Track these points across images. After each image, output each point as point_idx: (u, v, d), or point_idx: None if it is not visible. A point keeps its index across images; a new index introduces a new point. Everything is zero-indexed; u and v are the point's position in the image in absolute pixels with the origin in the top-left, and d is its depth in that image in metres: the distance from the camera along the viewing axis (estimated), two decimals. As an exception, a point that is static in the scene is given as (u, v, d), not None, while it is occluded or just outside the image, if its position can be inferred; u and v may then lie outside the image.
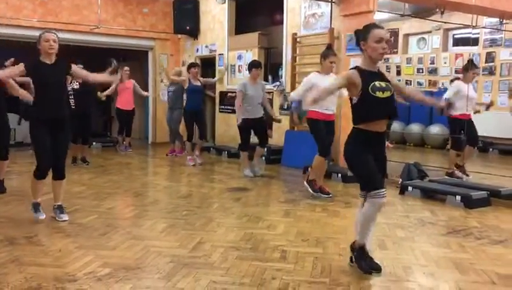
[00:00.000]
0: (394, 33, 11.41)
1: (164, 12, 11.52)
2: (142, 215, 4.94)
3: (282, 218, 4.87)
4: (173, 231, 4.33)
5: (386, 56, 10.56)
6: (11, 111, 5.90)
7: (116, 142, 10.33)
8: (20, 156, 8.33)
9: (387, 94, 3.21)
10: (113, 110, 10.93)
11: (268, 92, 8.57)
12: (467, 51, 10.10)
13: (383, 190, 3.25)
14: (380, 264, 3.42)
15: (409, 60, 11.57)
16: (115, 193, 6.02)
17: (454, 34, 10.78)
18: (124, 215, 5.04)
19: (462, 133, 6.95)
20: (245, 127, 7.07)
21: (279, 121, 7.53)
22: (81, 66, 7.78)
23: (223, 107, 10.58)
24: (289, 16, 8.79)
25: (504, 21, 8.39)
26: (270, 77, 9.46)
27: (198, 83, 8.36)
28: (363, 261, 3.33)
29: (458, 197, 5.52)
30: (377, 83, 3.19)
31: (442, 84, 10.52)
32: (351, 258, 3.45)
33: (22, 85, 5.49)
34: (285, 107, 6.07)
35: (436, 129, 10.14)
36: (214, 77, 10.54)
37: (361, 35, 3.27)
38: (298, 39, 8.55)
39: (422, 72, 11.24)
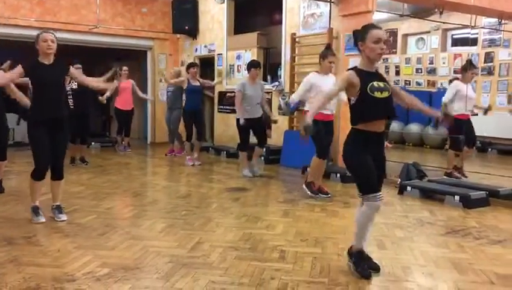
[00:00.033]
0: (393, 33, 11.41)
1: (163, 12, 11.51)
2: (141, 215, 4.93)
3: (281, 218, 4.87)
4: (172, 231, 4.32)
5: (384, 56, 10.55)
6: (10, 111, 5.88)
7: (115, 142, 10.33)
8: (19, 156, 8.33)
9: (385, 94, 3.21)
10: (112, 110, 10.92)
11: (267, 92, 8.59)
12: (465, 51, 10.09)
13: (380, 193, 3.26)
14: (379, 264, 3.42)
15: (407, 60, 11.57)
16: (114, 193, 6.02)
17: (453, 34, 10.78)
18: (123, 215, 5.03)
19: (461, 133, 6.95)
20: (244, 127, 7.06)
21: (275, 121, 7.53)
22: (79, 66, 7.87)
23: (222, 107, 10.57)
24: (288, 15, 8.79)
25: (503, 21, 8.40)
26: (269, 77, 9.46)
27: (197, 83, 8.36)
28: (360, 267, 3.31)
29: (457, 197, 5.53)
30: (375, 83, 3.19)
31: (441, 84, 10.51)
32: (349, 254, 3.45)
33: (20, 86, 5.48)
34: (287, 112, 6.07)
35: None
36: (213, 77, 10.55)
37: (359, 36, 3.27)
38: (297, 39, 8.56)
39: (421, 72, 11.23)
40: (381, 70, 3.41)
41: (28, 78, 4.57)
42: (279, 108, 8.95)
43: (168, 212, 5.05)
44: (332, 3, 7.74)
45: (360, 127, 3.24)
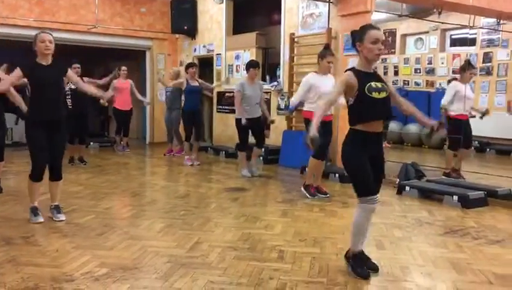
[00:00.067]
0: (392, 33, 11.42)
1: (162, 12, 11.51)
2: (140, 215, 4.93)
3: (280, 218, 4.87)
4: (171, 231, 4.32)
5: (383, 56, 10.52)
6: (8, 111, 5.88)
7: (114, 142, 10.32)
8: (17, 156, 8.31)
9: (383, 95, 3.21)
10: (111, 110, 10.91)
11: (266, 92, 8.59)
12: (464, 51, 10.11)
13: (376, 196, 3.26)
14: (377, 264, 3.43)
15: (406, 60, 11.58)
16: (113, 193, 6.01)
17: (451, 35, 10.80)
18: (122, 215, 5.03)
19: (459, 134, 6.96)
20: (244, 127, 7.06)
21: (272, 122, 7.53)
22: (78, 66, 7.87)
23: (221, 107, 10.57)
24: (287, 16, 8.79)
25: (501, 21, 8.41)
26: (268, 77, 9.46)
27: (196, 84, 8.35)
28: (359, 268, 3.31)
29: (455, 197, 5.53)
30: (373, 84, 3.19)
31: (440, 84, 10.53)
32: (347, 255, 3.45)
33: (17, 88, 5.46)
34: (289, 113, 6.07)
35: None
36: (212, 77, 10.55)
37: (357, 36, 3.27)
38: (296, 39, 8.56)
39: (420, 73, 11.25)
40: (380, 71, 3.41)
41: (26, 79, 4.56)
42: (279, 108, 9.01)
43: (167, 212, 5.05)
44: (331, 3, 7.74)
45: (358, 128, 3.24)
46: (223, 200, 5.66)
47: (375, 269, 3.37)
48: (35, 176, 4.49)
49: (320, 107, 3.30)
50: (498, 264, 3.63)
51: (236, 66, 10.14)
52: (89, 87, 5.01)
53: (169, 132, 9.68)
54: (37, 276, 3.20)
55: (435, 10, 7.66)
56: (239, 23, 10.37)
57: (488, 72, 9.92)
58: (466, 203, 5.42)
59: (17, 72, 4.38)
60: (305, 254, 3.76)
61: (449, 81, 7.61)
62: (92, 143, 10.55)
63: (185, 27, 11.06)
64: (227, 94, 10.20)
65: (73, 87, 7.74)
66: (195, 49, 11.30)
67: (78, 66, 7.89)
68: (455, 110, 6.94)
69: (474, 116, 7.27)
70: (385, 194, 5.55)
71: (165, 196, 5.99)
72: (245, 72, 7.46)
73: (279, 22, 9.01)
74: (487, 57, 9.95)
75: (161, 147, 10.25)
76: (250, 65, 7.18)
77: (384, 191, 3.42)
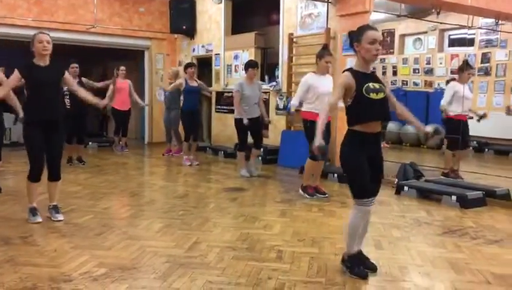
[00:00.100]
0: (390, 33, 11.44)
1: (160, 11, 11.50)
2: (138, 215, 4.93)
3: (279, 218, 4.87)
4: (169, 231, 4.32)
5: (382, 56, 10.52)
6: (7, 111, 5.87)
7: (112, 142, 10.31)
8: (16, 156, 8.29)
9: (381, 95, 3.21)
10: (109, 110, 10.89)
11: (265, 92, 8.59)
12: (462, 51, 10.13)
13: (372, 198, 3.26)
14: (376, 264, 3.43)
15: (405, 61, 11.60)
16: (111, 193, 6.01)
17: (450, 35, 10.81)
18: (120, 215, 5.03)
19: (458, 134, 6.97)
20: (243, 127, 7.05)
21: (268, 122, 7.52)
22: (76, 65, 7.86)
23: (219, 107, 10.57)
24: (285, 16, 8.79)
25: (500, 22, 8.42)
26: (266, 77, 9.46)
27: (195, 84, 8.35)
28: (356, 269, 3.31)
29: (454, 197, 5.54)
30: (370, 85, 3.19)
31: (438, 84, 10.55)
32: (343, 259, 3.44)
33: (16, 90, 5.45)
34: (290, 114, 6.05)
35: (435, 126, 10.15)
36: (210, 77, 10.55)
37: (355, 37, 3.27)
38: (295, 39, 8.56)
39: (418, 73, 11.27)
40: (379, 71, 3.41)
41: (23, 80, 4.54)
42: (277, 108, 9.01)
43: (166, 212, 5.05)
44: (329, 4, 7.74)
45: (356, 128, 3.23)
46: (221, 200, 5.66)
47: (373, 269, 3.37)
48: (34, 177, 4.48)
49: (322, 114, 3.25)
50: (496, 264, 3.64)
51: (235, 66, 10.14)
52: (85, 93, 4.89)
53: (168, 132, 9.68)
54: (35, 276, 3.19)
55: (433, 10, 7.66)
56: (238, 23, 10.37)
57: (487, 72, 9.94)
58: (464, 203, 5.43)
59: (16, 74, 4.36)
60: (303, 253, 3.76)
61: (447, 82, 7.62)
62: (90, 143, 10.53)
63: (184, 27, 11.06)
64: (225, 94, 10.20)
65: (71, 87, 7.73)
66: (194, 49, 11.30)
67: (77, 65, 7.88)
68: (454, 110, 6.96)
69: (471, 118, 7.29)
70: (383, 194, 5.55)
71: (164, 196, 5.99)
72: (244, 72, 7.46)
73: (278, 22, 9.01)
74: (485, 57, 9.97)
75: (160, 147, 10.25)
76: (249, 65, 7.18)
77: (383, 191, 3.42)
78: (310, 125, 5.68)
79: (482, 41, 10.00)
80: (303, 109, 5.90)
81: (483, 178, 6.88)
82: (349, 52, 6.91)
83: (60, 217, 4.60)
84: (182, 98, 8.52)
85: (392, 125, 10.38)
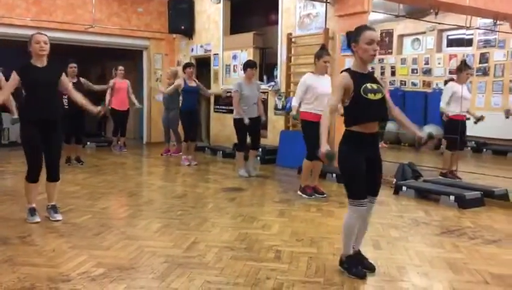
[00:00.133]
0: (389, 34, 11.44)
1: (159, 11, 11.50)
2: (137, 215, 4.92)
3: (277, 218, 4.88)
4: (167, 231, 4.32)
5: (380, 57, 10.50)
6: (5, 110, 5.86)
7: (111, 142, 10.31)
8: (14, 155, 8.29)
9: (378, 96, 3.21)
10: (107, 110, 10.88)
11: (264, 92, 8.59)
12: (460, 51, 10.13)
13: (367, 200, 3.26)
14: (374, 264, 3.43)
15: (403, 61, 11.60)
16: (109, 193, 6.01)
17: (448, 35, 10.82)
18: (118, 215, 5.02)
19: (456, 134, 6.98)
20: (241, 127, 7.05)
21: (264, 122, 7.51)
22: (75, 65, 7.85)
23: (218, 107, 10.57)
24: (284, 16, 8.79)
25: (498, 22, 8.42)
26: (265, 77, 9.47)
27: (194, 84, 8.34)
28: (354, 268, 3.31)
29: (452, 197, 5.55)
30: (368, 85, 3.19)
31: (437, 84, 10.55)
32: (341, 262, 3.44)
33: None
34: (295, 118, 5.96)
35: (430, 129, 10.16)
36: (209, 77, 10.54)
37: (352, 37, 3.27)
38: (293, 39, 8.56)
39: (417, 73, 11.27)
40: (377, 71, 3.40)
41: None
42: (276, 108, 9.01)
43: (164, 212, 5.04)
44: (328, 4, 7.75)
45: (354, 129, 3.24)
46: (220, 200, 5.66)
47: (371, 269, 3.38)
48: (32, 177, 4.47)
49: (324, 119, 3.21)
50: (494, 264, 3.64)
51: (234, 66, 10.14)
52: (80, 98, 4.81)
53: (166, 132, 9.67)
54: (33, 276, 3.19)
55: (431, 11, 7.67)
56: (236, 23, 10.37)
57: (485, 72, 9.94)
58: (463, 203, 5.44)
59: (14, 76, 4.34)
60: (302, 253, 3.76)
61: (446, 82, 7.63)
62: (88, 143, 10.52)
63: (182, 27, 11.06)
64: (222, 88, 10.18)
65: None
66: (192, 49, 11.30)
67: (75, 65, 7.87)
68: (452, 110, 6.96)
69: (468, 119, 7.30)
70: (382, 194, 5.52)
71: (162, 196, 5.98)
72: (242, 72, 7.46)
73: (277, 22, 9.02)
74: (484, 58, 9.97)
75: (158, 147, 10.25)
76: (248, 65, 7.18)
77: (381, 191, 3.42)
78: (307, 125, 5.69)
79: (480, 42, 10.00)
80: (301, 109, 5.89)
81: (482, 178, 6.88)
82: (347, 53, 6.91)
83: (59, 217, 4.60)
84: (180, 98, 8.53)
85: (390, 125, 10.37)
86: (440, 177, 6.97)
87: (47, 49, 4.40)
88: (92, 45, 10.88)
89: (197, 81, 8.52)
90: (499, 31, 9.15)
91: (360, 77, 3.21)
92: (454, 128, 6.94)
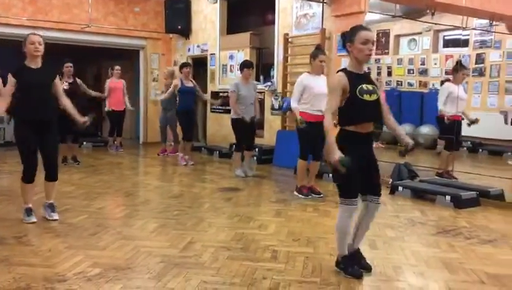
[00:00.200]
0: (385, 34, 11.45)
1: (156, 11, 11.49)
2: (133, 215, 4.92)
3: (273, 218, 4.88)
4: (164, 231, 4.32)
5: (377, 57, 10.48)
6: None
7: (107, 142, 10.29)
8: (10, 155, 8.26)
9: (374, 97, 3.22)
10: (103, 110, 10.85)
11: (260, 92, 8.59)
12: (457, 52, 10.16)
13: (357, 199, 3.27)
14: (370, 263, 3.44)
15: (399, 61, 11.61)
16: (106, 193, 6.00)
17: (444, 36, 10.84)
18: (115, 215, 5.01)
19: (453, 134, 6.99)
20: (240, 126, 7.05)
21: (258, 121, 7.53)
22: (70, 65, 7.82)
23: (215, 107, 10.56)
24: (281, 16, 8.80)
25: (494, 23, 8.45)
26: (261, 77, 9.47)
27: (191, 84, 8.33)
28: (350, 268, 3.32)
29: (448, 197, 5.56)
30: (364, 86, 3.20)
31: (433, 84, 10.57)
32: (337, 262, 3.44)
33: None
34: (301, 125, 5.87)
35: (426, 130, 10.20)
36: (205, 76, 10.54)
37: (347, 37, 3.27)
38: (290, 39, 8.57)
39: (413, 73, 11.29)
40: (374, 72, 3.40)
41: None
42: (272, 108, 9.01)
43: (160, 212, 5.04)
44: (324, 4, 7.76)
45: (348, 128, 3.24)
46: (216, 200, 5.66)
47: (368, 268, 3.38)
48: (27, 178, 4.46)
49: (326, 123, 3.17)
50: (490, 263, 3.66)
51: (230, 66, 10.14)
52: (69, 105, 4.68)
53: (162, 131, 9.66)
54: (29, 276, 3.18)
55: (428, 11, 7.69)
56: (233, 23, 10.37)
57: (481, 73, 9.97)
58: (458, 203, 5.45)
59: (11, 80, 4.32)
60: (298, 253, 3.76)
61: (442, 82, 7.64)
62: (85, 143, 10.50)
63: (179, 27, 11.05)
64: (221, 94, 10.19)
65: (65, 87, 7.67)
66: (189, 49, 11.29)
67: (71, 65, 7.85)
68: (448, 111, 6.98)
69: (463, 119, 7.32)
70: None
71: (159, 196, 5.98)
72: (239, 72, 7.46)
73: (273, 22, 9.02)
74: (480, 58, 10.00)
75: (155, 147, 10.23)
76: (244, 65, 7.18)
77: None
78: (304, 125, 5.67)
79: (476, 42, 10.03)
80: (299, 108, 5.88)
81: (477, 178, 6.90)
82: (344, 53, 6.92)
83: (56, 216, 4.59)
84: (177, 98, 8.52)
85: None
86: (436, 177, 6.99)
87: (41, 49, 4.38)
88: (88, 45, 10.86)
89: (193, 81, 8.51)
90: (495, 32, 9.17)
91: (356, 78, 3.22)
92: (450, 128, 6.95)
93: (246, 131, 7.12)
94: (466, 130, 7.44)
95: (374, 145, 3.53)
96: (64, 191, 5.82)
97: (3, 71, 4.52)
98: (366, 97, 3.17)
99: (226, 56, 10.21)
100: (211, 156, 9.51)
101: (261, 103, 8.63)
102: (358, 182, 3.25)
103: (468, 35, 9.61)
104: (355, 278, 3.26)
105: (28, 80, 4.33)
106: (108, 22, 10.82)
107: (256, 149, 8.27)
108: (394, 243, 4.11)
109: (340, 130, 3.29)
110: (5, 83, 4.47)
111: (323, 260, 3.63)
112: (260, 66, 9.81)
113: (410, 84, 11.32)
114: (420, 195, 5.98)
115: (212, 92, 10.54)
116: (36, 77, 4.35)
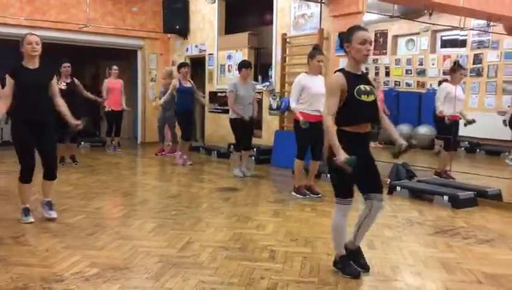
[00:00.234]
0: (383, 34, 11.46)
1: (154, 11, 11.48)
2: (131, 215, 4.91)
3: (271, 218, 4.88)
4: (162, 231, 4.31)
5: (375, 57, 10.49)
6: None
7: (105, 142, 10.27)
8: (8, 155, 8.23)
9: (371, 98, 3.22)
10: (101, 110, 10.85)
11: (258, 92, 8.59)
12: (454, 52, 10.17)
13: (352, 198, 3.28)
14: (368, 263, 3.44)
15: (397, 61, 11.62)
16: (103, 193, 5.99)
17: (442, 36, 10.85)
18: (112, 215, 5.01)
19: (451, 134, 7.00)
20: (239, 126, 7.05)
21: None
22: (68, 64, 7.81)
23: (213, 107, 10.56)
24: (279, 16, 8.80)
25: (491, 23, 8.47)
26: (260, 77, 9.47)
27: (189, 84, 8.32)
28: (347, 268, 3.32)
29: (446, 197, 5.57)
30: (361, 87, 3.20)
31: (431, 85, 10.58)
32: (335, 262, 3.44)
33: None
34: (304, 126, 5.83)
35: (424, 130, 10.21)
36: (204, 77, 10.54)
37: (345, 37, 3.28)
38: (288, 39, 8.57)
39: (411, 74, 11.30)
40: (371, 72, 3.40)
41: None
42: (270, 108, 9.01)
43: (158, 212, 5.04)
44: (323, 4, 7.77)
45: (345, 129, 3.24)
46: (214, 200, 5.66)
47: (366, 268, 3.39)
48: (25, 178, 4.44)
49: (328, 127, 3.17)
50: (487, 263, 3.66)
51: (228, 66, 10.13)
52: (64, 107, 4.64)
53: (160, 131, 9.66)
54: (26, 276, 3.18)
55: (426, 11, 7.70)
56: (231, 23, 10.37)
57: (479, 73, 9.99)
58: (456, 203, 5.46)
59: (9, 80, 4.31)
60: (296, 253, 3.76)
61: (440, 83, 7.66)
62: (83, 143, 10.49)
63: (177, 27, 11.04)
64: (219, 94, 10.19)
65: (63, 87, 7.66)
66: (187, 49, 11.29)
67: (69, 65, 7.84)
68: (446, 111, 6.99)
69: (460, 119, 7.33)
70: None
71: (157, 196, 5.97)
72: (237, 72, 7.46)
73: (271, 22, 9.02)
74: (477, 59, 10.02)
75: (153, 147, 10.23)
76: (243, 65, 7.18)
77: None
78: (307, 126, 5.65)
79: (474, 43, 10.05)
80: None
81: (475, 178, 6.92)
82: (342, 53, 6.92)
83: (54, 214, 4.58)
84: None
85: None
86: (435, 176, 6.99)
87: (39, 50, 4.37)
88: (86, 45, 10.84)
89: (192, 82, 8.51)
90: (492, 32, 9.19)
91: (353, 78, 3.22)
92: (449, 128, 6.96)
93: (245, 131, 7.12)
94: (464, 130, 7.44)
95: (372, 146, 3.52)
96: (62, 191, 5.81)
97: (1, 72, 4.51)
98: (364, 98, 3.18)
99: (224, 56, 10.21)
100: (209, 156, 9.51)
101: (259, 103, 8.62)
102: (354, 182, 3.25)
103: (465, 35, 9.62)
104: (353, 278, 3.26)
105: (25, 80, 4.32)
106: (106, 22, 10.81)
107: (254, 149, 8.27)
108: (392, 243, 4.12)
109: (337, 131, 3.29)
110: (3, 85, 4.46)
111: (321, 260, 3.63)
112: (258, 66, 9.82)
113: (408, 85, 11.32)
114: (418, 195, 5.99)
115: (210, 92, 10.55)
116: (33, 78, 4.35)
